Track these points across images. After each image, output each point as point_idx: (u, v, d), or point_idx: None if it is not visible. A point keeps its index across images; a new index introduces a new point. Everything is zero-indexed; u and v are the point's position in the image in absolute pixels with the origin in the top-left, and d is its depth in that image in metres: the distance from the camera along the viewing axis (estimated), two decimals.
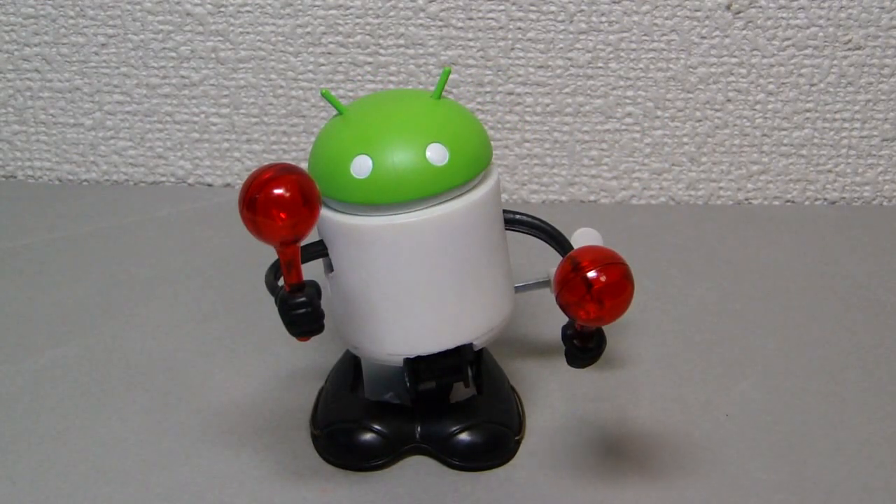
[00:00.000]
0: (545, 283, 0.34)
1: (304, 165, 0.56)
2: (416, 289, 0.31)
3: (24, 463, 0.34)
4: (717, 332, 0.41)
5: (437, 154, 0.30)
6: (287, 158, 0.55)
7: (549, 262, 0.33)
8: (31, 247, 0.49)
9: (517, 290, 0.34)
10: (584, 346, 0.30)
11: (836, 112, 0.52)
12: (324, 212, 0.31)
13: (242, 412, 0.36)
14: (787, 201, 0.54)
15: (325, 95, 0.31)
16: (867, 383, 0.38)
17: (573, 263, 0.27)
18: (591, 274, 0.27)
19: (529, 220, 0.33)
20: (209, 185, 0.56)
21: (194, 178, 0.56)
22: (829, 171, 0.53)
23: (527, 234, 0.34)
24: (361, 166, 0.30)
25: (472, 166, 0.30)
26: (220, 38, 0.53)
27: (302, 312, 0.29)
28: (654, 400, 0.37)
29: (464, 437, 0.33)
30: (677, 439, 0.35)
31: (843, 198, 0.54)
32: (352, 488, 0.33)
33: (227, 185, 0.56)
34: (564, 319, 0.30)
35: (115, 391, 0.38)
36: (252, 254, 0.48)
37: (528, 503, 0.32)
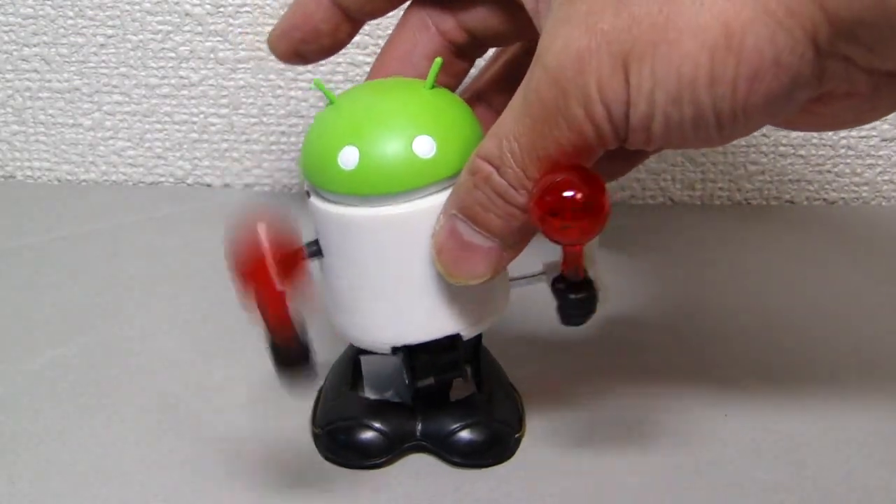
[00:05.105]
0: (540, 277, 0.34)
1: None
2: (401, 279, 0.31)
3: (23, 463, 0.34)
4: (715, 331, 0.41)
5: (424, 146, 0.30)
6: (286, 158, 0.55)
7: (543, 255, 0.33)
8: (30, 247, 0.49)
9: (511, 283, 0.34)
10: (576, 297, 0.30)
11: None
12: (314, 200, 0.31)
13: (242, 412, 0.37)
14: (786, 201, 0.54)
15: (317, 85, 0.31)
16: (867, 383, 0.38)
17: (551, 181, 0.27)
18: (568, 193, 0.26)
19: None
20: (208, 185, 0.56)
21: (193, 179, 0.56)
22: (828, 171, 0.53)
23: None
24: (349, 157, 0.30)
25: (460, 158, 0.30)
26: (219, 39, 0.53)
27: (296, 368, 0.30)
28: (652, 399, 0.37)
29: (464, 434, 0.33)
30: (676, 439, 0.35)
31: (842, 198, 0.54)
32: (353, 486, 0.33)
33: (226, 185, 0.56)
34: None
35: (115, 391, 0.38)
36: None
37: (528, 500, 0.32)
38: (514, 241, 0.29)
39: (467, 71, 0.37)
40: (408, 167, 0.30)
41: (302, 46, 0.36)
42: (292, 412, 0.36)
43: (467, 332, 0.32)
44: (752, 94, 0.24)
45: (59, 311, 0.43)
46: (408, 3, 0.36)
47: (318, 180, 0.31)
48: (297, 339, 0.29)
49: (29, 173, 0.57)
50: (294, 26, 0.36)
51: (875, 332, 0.41)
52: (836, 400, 0.37)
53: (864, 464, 0.33)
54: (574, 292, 0.30)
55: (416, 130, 0.30)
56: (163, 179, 0.56)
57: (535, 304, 0.33)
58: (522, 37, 0.35)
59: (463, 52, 0.36)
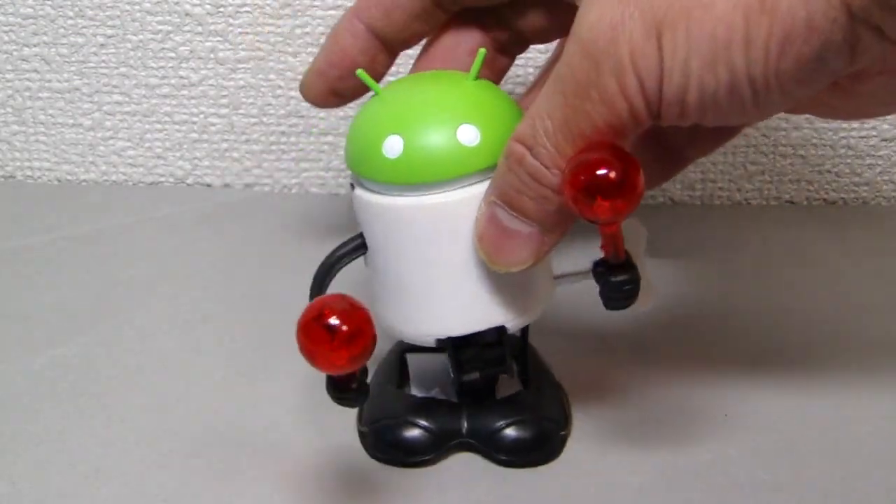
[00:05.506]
0: (587, 274, 0.33)
1: (305, 165, 0.56)
2: (445, 269, 0.31)
3: (23, 463, 0.34)
4: (715, 331, 0.41)
5: (468, 134, 0.30)
6: (286, 158, 0.55)
7: (593, 255, 0.33)
8: (30, 247, 0.49)
9: (556, 279, 0.34)
10: (617, 280, 0.30)
11: None
12: (358, 192, 0.31)
13: (242, 411, 0.37)
14: (786, 201, 0.54)
15: (361, 76, 0.32)
16: (867, 383, 0.38)
17: (584, 159, 0.26)
18: (602, 171, 0.26)
19: None
20: (208, 185, 0.56)
21: (193, 179, 0.56)
22: (828, 171, 0.53)
23: None
24: (393, 146, 0.30)
25: (504, 147, 0.30)
26: (219, 39, 0.53)
27: (349, 400, 0.29)
28: (652, 399, 0.37)
29: (511, 431, 0.33)
30: (676, 439, 0.35)
31: (842, 198, 0.54)
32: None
33: (226, 185, 0.56)
34: (609, 313, 0.30)
35: (115, 391, 0.38)
36: (252, 254, 0.48)
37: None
38: (553, 225, 0.29)
39: (508, 67, 0.37)
40: (452, 155, 0.30)
41: (339, 84, 0.36)
42: (292, 412, 0.36)
43: (512, 325, 0.32)
44: (783, 59, 0.24)
45: (59, 311, 0.43)
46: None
47: (362, 170, 0.31)
48: (357, 384, 0.28)
49: (29, 173, 0.57)
50: (330, 64, 0.36)
51: (875, 332, 0.41)
52: (836, 400, 0.37)
53: (864, 464, 0.33)
54: (615, 274, 0.30)
55: (460, 119, 0.30)
56: (163, 179, 0.56)
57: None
58: (564, 32, 0.35)
59: (505, 48, 0.36)
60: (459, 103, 0.30)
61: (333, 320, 0.26)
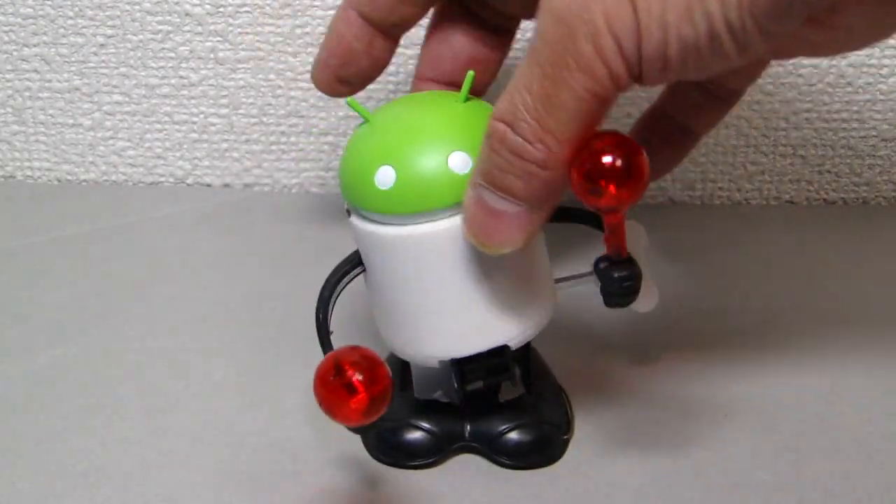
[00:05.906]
0: (588, 278, 0.33)
1: (305, 165, 0.56)
2: (444, 295, 0.31)
3: (23, 463, 0.34)
4: (715, 331, 0.41)
5: (459, 162, 0.30)
6: (286, 158, 0.55)
7: (591, 253, 0.32)
8: (30, 247, 0.49)
9: (557, 283, 0.34)
10: (619, 275, 0.30)
11: (834, 112, 0.52)
12: (353, 220, 0.32)
13: (242, 412, 0.37)
14: (786, 201, 0.54)
15: (350, 104, 0.31)
16: (867, 383, 0.38)
17: (589, 147, 0.27)
18: (608, 159, 0.26)
19: (565, 207, 0.32)
20: (208, 185, 0.56)
21: (193, 179, 0.56)
22: (828, 171, 0.53)
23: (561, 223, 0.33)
24: (385, 177, 0.30)
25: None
26: (219, 39, 0.53)
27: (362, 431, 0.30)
28: (652, 399, 0.37)
29: (513, 436, 0.33)
30: (676, 439, 0.35)
31: (842, 198, 0.54)
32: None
33: (226, 185, 0.56)
34: (610, 315, 0.30)
35: (115, 391, 0.38)
36: (252, 254, 0.48)
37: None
38: (540, 202, 0.28)
39: (509, 42, 0.37)
40: (444, 184, 0.30)
41: (342, 71, 0.37)
42: (292, 412, 0.36)
43: (515, 343, 0.32)
44: None
45: (59, 311, 0.43)
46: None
47: (356, 200, 0.31)
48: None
49: (29, 173, 0.57)
50: (330, 53, 0.37)
51: (875, 332, 0.41)
52: (836, 400, 0.37)
53: (864, 464, 0.33)
54: (617, 270, 0.30)
55: (451, 146, 0.30)
56: (163, 179, 0.56)
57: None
58: None
59: (497, 28, 0.36)
60: (449, 130, 0.30)
61: (355, 377, 0.26)
